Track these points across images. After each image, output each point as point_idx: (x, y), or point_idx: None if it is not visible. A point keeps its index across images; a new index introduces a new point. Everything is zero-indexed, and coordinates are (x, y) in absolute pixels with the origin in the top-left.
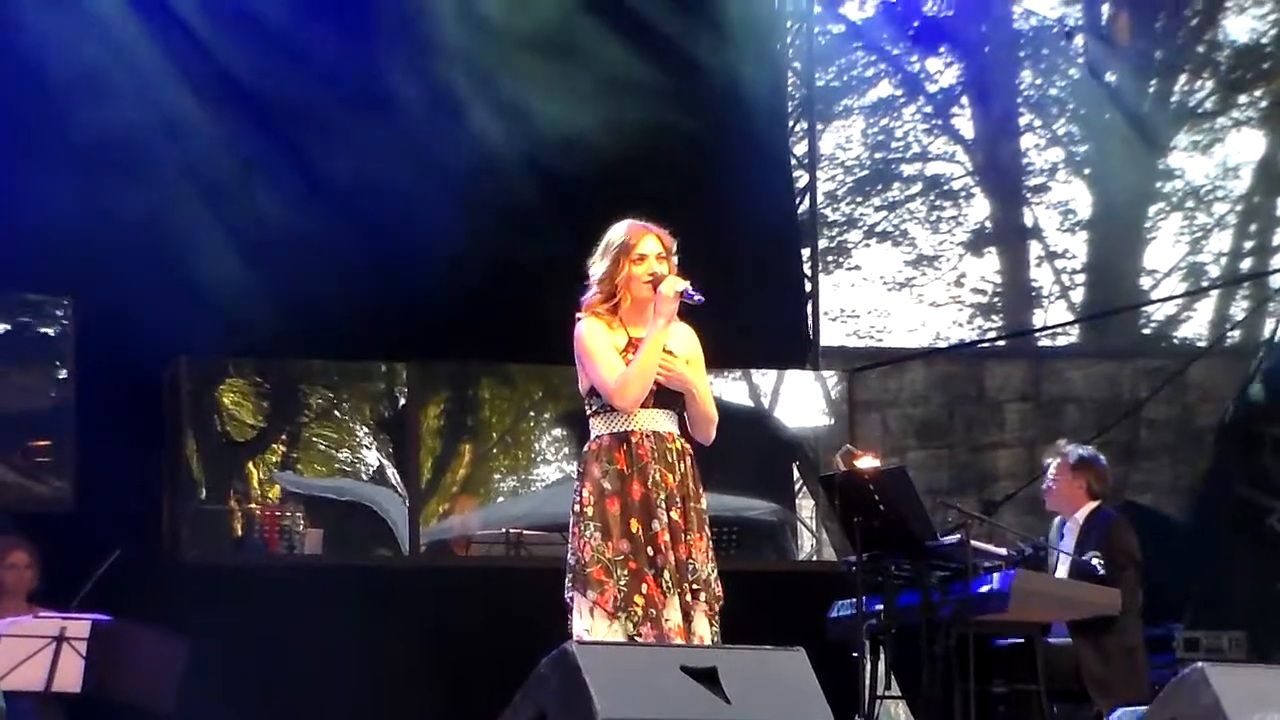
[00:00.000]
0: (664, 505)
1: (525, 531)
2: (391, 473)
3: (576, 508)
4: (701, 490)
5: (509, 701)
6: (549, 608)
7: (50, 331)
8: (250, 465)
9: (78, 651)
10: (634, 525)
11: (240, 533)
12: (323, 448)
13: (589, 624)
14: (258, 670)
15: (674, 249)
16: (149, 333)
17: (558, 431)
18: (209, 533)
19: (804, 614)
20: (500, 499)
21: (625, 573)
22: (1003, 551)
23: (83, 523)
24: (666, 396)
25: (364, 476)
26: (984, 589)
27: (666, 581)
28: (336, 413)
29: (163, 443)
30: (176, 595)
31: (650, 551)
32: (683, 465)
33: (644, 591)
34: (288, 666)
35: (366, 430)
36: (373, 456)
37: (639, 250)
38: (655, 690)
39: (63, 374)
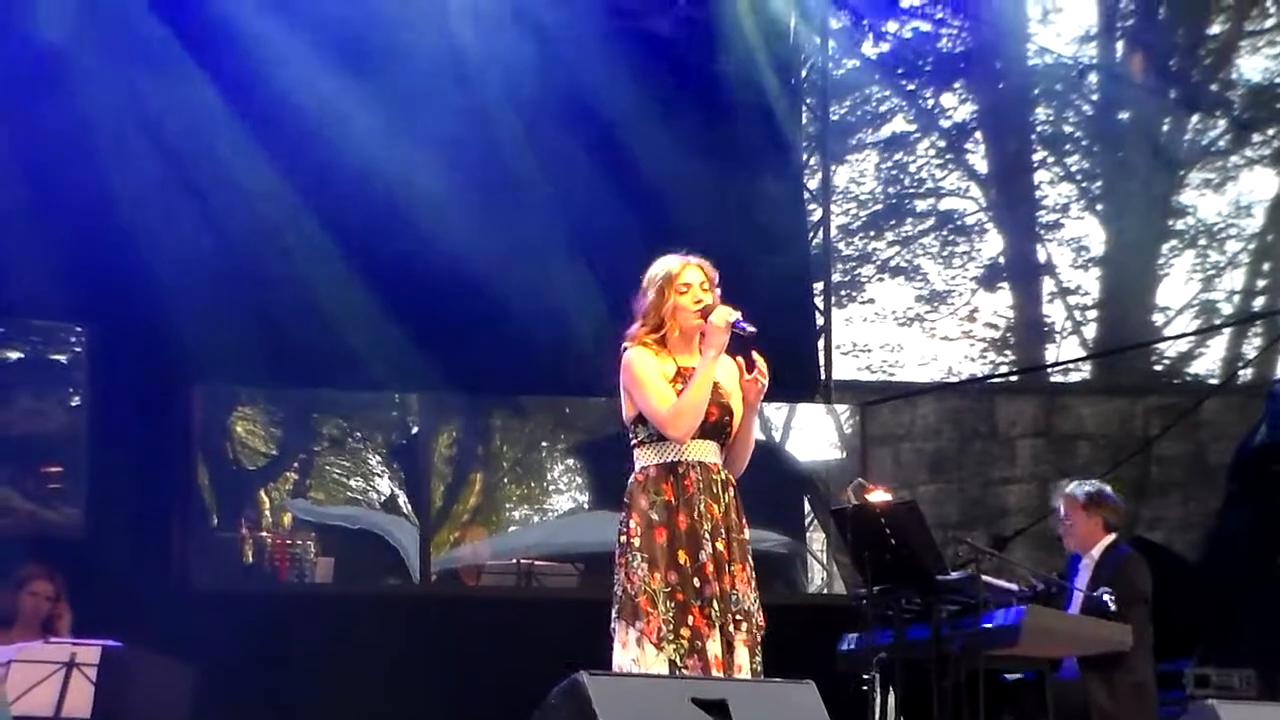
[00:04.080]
0: (709, 536)
1: (536, 562)
2: (403, 501)
3: (623, 539)
4: (745, 521)
5: None
6: (559, 637)
7: (63, 358)
8: (262, 493)
9: (88, 677)
10: (681, 556)
11: (251, 560)
12: (335, 476)
13: (635, 654)
14: (267, 698)
15: (717, 280)
16: (162, 361)
17: (570, 462)
18: (220, 560)
19: (814, 647)
20: (512, 528)
21: (672, 604)
22: (1013, 586)
23: (94, 549)
24: (714, 428)
25: (376, 505)
26: (994, 624)
27: (714, 613)
28: (349, 441)
29: (174, 470)
30: (187, 622)
31: (697, 583)
32: (727, 496)
33: (690, 623)
34: (297, 694)
35: (379, 459)
36: (385, 485)
37: (683, 280)
38: None
39: (75, 401)
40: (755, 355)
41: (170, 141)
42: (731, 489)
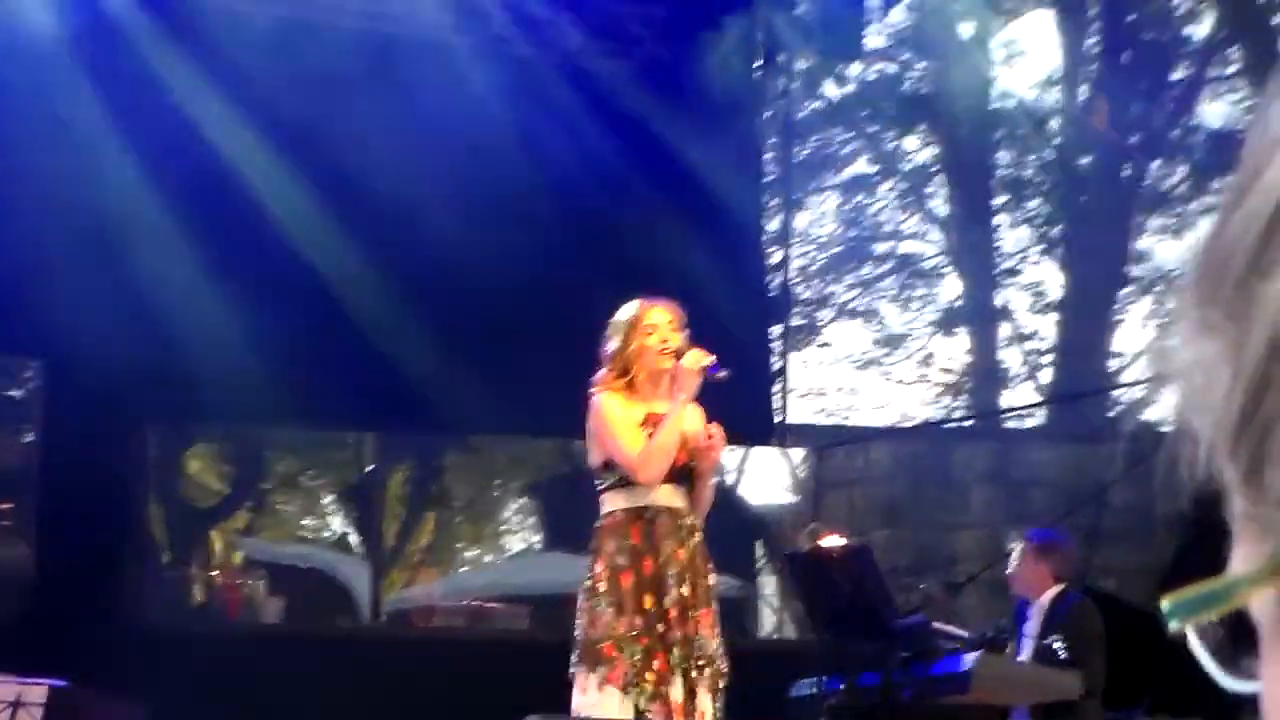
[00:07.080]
0: (674, 581)
1: (487, 603)
2: (355, 540)
3: (589, 583)
4: (710, 565)
5: None
6: (510, 679)
7: (17, 394)
8: (214, 531)
9: (33, 717)
10: (647, 601)
11: (201, 599)
12: (287, 514)
13: (596, 699)
14: None
15: (685, 321)
16: (116, 398)
17: (522, 501)
18: (170, 598)
19: (765, 692)
20: (464, 568)
21: (638, 649)
22: (965, 633)
23: (43, 586)
24: (681, 472)
25: (328, 544)
26: (946, 671)
27: (674, 658)
28: (302, 479)
29: (126, 507)
30: (136, 661)
31: (660, 628)
32: (693, 540)
33: (655, 668)
34: None
35: (331, 498)
36: (337, 524)
37: (648, 321)
38: None
39: (29, 437)
40: (712, 427)
41: (124, 177)
42: (697, 534)
